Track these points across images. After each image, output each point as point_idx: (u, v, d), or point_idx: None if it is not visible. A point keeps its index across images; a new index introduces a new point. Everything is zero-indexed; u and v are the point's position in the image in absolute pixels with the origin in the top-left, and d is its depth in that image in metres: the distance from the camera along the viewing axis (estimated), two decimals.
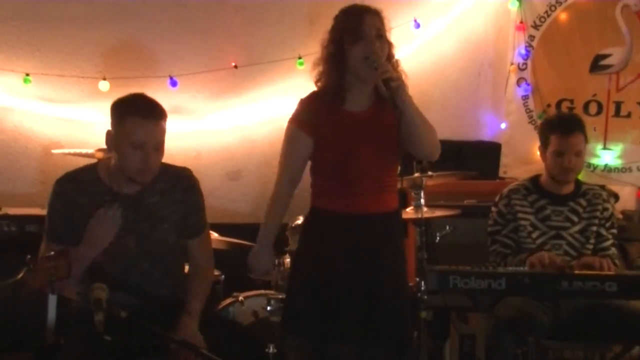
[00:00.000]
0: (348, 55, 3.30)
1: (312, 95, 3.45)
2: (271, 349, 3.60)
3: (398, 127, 3.25)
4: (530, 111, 5.94)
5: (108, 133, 3.20)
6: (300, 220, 4.13)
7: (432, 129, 3.39)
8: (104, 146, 3.28)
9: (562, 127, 4.05)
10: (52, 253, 2.75)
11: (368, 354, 3.41)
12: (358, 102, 3.39)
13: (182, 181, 3.34)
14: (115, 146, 3.17)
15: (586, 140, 4.05)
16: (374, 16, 3.34)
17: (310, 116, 3.37)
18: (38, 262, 2.73)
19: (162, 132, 3.18)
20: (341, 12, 3.40)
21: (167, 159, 3.41)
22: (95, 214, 3.10)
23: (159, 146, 3.17)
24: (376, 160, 3.37)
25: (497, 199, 4.14)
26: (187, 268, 3.48)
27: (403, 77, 3.35)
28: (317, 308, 3.33)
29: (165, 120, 3.19)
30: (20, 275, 2.68)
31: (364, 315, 3.32)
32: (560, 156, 3.99)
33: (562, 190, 4.06)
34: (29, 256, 2.71)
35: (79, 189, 3.19)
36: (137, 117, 3.10)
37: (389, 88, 3.16)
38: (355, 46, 3.28)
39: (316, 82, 3.44)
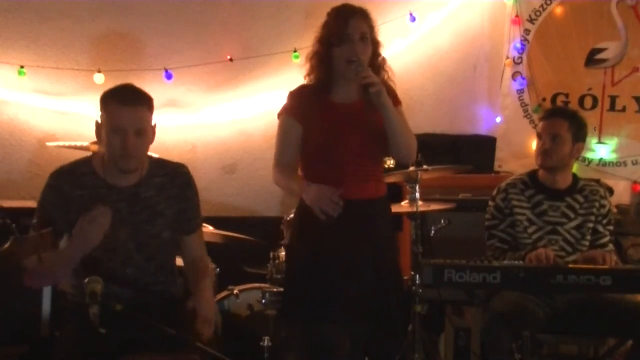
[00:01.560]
0: (333, 55, 3.49)
1: (301, 88, 3.64)
2: (266, 342, 3.61)
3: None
4: (526, 105, 5.94)
5: (96, 123, 3.22)
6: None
7: (410, 134, 3.57)
8: None
9: (547, 112, 4.23)
10: (35, 221, 2.75)
11: (362, 335, 3.55)
12: (345, 95, 3.56)
13: (178, 177, 3.34)
14: (100, 134, 3.21)
15: (576, 133, 4.05)
16: (361, 19, 3.50)
17: (299, 105, 3.56)
18: (25, 233, 2.74)
19: (143, 118, 3.18)
20: (332, 11, 3.57)
21: (162, 152, 3.42)
22: (82, 216, 3.04)
23: (141, 132, 3.16)
24: (360, 148, 3.51)
25: (494, 193, 4.14)
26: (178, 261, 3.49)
27: (389, 74, 3.60)
28: (311, 293, 3.47)
29: (147, 106, 3.20)
30: (7, 245, 2.68)
31: (355, 298, 3.46)
32: (539, 139, 4.07)
33: (559, 185, 4.06)
34: (13, 224, 2.71)
35: (74, 182, 3.19)
36: (115, 103, 3.14)
37: (367, 93, 3.37)
38: (340, 49, 3.46)
39: (305, 76, 3.63)
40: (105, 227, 3.04)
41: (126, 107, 3.13)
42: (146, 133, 3.19)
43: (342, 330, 3.53)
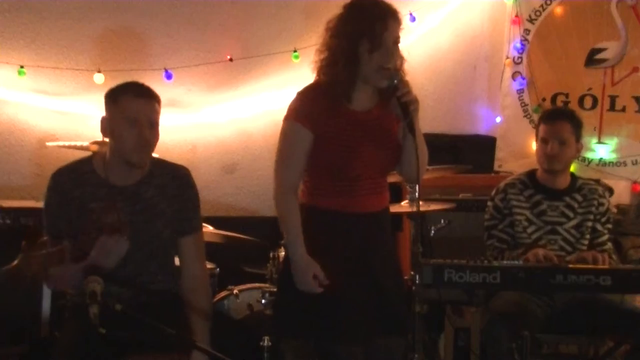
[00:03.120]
0: (361, 58, 3.16)
1: (313, 89, 3.29)
2: (266, 342, 3.60)
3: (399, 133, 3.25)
4: (526, 105, 5.94)
5: (102, 119, 3.22)
6: None
7: (426, 157, 3.34)
8: (99, 139, 3.29)
9: (548, 115, 4.15)
10: (46, 238, 2.76)
11: (374, 349, 3.33)
12: (361, 102, 3.27)
13: (179, 177, 3.33)
14: (110, 129, 3.20)
15: (578, 133, 4.05)
16: (397, 21, 3.19)
17: (311, 111, 3.22)
18: (33, 249, 2.74)
19: (156, 112, 3.21)
20: (364, 7, 3.20)
21: (162, 152, 3.42)
22: (99, 241, 2.98)
23: (153, 125, 3.19)
24: (376, 161, 3.28)
25: (493, 193, 4.14)
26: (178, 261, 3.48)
27: (405, 75, 3.26)
28: (318, 309, 3.21)
29: (158, 102, 3.22)
30: (16, 262, 2.69)
31: (367, 312, 3.25)
32: (544, 143, 4.03)
33: (558, 185, 4.06)
34: (24, 242, 2.72)
35: (75, 181, 3.19)
36: (130, 95, 3.16)
37: (406, 111, 3.12)
38: (373, 54, 3.14)
39: (318, 72, 3.28)
40: (121, 256, 3.04)
41: (142, 99, 3.16)
42: (158, 127, 3.22)
43: (354, 347, 3.32)
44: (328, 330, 3.21)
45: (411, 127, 3.14)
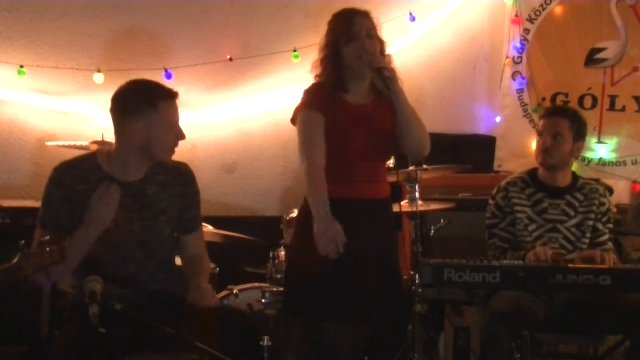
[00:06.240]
0: (343, 53, 3.54)
1: (316, 85, 3.65)
2: (266, 342, 3.60)
3: (394, 121, 3.50)
4: (526, 105, 5.94)
5: (132, 128, 3.16)
6: (295, 213, 4.14)
7: (422, 125, 3.61)
8: (99, 139, 3.28)
9: (548, 110, 4.25)
10: (47, 238, 2.75)
11: (364, 335, 3.61)
12: (358, 96, 3.61)
13: (181, 175, 3.34)
14: (146, 136, 3.15)
15: (577, 132, 4.06)
16: (364, 17, 3.59)
17: (317, 100, 3.57)
18: (33, 247, 2.74)
19: None
20: (334, 17, 3.66)
21: None
22: (94, 193, 3.08)
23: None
24: (371, 149, 3.55)
25: (494, 191, 4.15)
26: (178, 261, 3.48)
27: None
28: (315, 291, 3.50)
29: None
30: (15, 260, 2.67)
31: (359, 295, 3.50)
32: (540, 137, 4.08)
33: (559, 183, 4.07)
34: (22, 242, 2.71)
35: (79, 176, 3.17)
36: (168, 99, 3.19)
37: (382, 77, 3.43)
38: (349, 46, 3.53)
39: (315, 77, 3.65)
40: (116, 202, 3.06)
41: (174, 101, 3.21)
42: None
43: (344, 330, 3.54)
44: (320, 309, 3.51)
45: (388, 87, 3.46)
